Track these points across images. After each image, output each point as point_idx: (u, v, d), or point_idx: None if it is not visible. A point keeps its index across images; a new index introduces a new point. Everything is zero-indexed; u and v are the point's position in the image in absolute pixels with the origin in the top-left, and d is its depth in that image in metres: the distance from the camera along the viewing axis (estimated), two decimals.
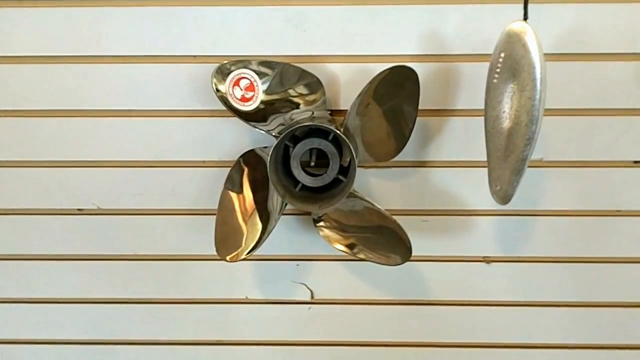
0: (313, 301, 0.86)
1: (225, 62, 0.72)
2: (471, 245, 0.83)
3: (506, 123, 0.64)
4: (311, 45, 0.76)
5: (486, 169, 0.68)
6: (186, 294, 0.86)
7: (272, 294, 0.86)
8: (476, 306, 0.86)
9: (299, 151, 0.74)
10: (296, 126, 0.71)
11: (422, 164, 0.80)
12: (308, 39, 0.76)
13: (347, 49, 0.76)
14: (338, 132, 0.71)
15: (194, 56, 0.76)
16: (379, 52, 0.75)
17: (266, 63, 0.72)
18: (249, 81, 0.72)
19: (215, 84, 0.72)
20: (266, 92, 0.73)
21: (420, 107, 0.71)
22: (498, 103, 0.64)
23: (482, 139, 0.67)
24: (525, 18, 0.64)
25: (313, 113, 0.74)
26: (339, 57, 0.76)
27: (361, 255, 0.78)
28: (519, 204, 0.75)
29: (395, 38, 0.75)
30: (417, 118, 0.72)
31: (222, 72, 0.72)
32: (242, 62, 0.72)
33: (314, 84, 0.73)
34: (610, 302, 0.84)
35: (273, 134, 0.73)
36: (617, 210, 0.80)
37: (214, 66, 0.71)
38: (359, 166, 0.72)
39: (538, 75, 0.62)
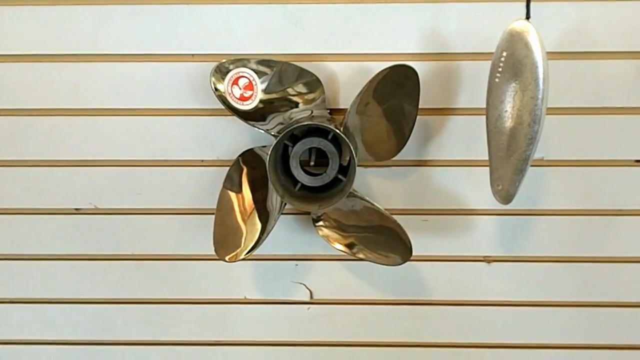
0: (312, 301, 0.86)
1: (223, 60, 0.71)
2: (472, 245, 0.82)
3: (508, 123, 0.64)
4: (310, 44, 0.75)
5: (487, 168, 0.67)
6: (184, 294, 0.86)
7: (271, 294, 0.86)
8: (477, 306, 0.85)
9: (298, 150, 0.73)
10: (295, 125, 0.70)
11: (422, 163, 0.79)
12: (307, 37, 0.75)
13: (347, 48, 0.75)
14: (337, 131, 0.70)
15: (192, 55, 0.76)
16: (379, 51, 0.75)
17: (265, 62, 0.72)
18: (247, 80, 0.71)
19: (214, 83, 0.71)
20: (265, 91, 0.72)
21: (420, 106, 0.71)
22: (500, 102, 0.64)
23: (484, 138, 0.66)
24: (528, 17, 0.63)
25: (312, 112, 0.74)
26: (339, 55, 0.75)
27: (361, 255, 0.77)
28: (519, 204, 0.75)
29: (395, 36, 0.74)
30: (418, 117, 0.71)
31: (221, 71, 0.71)
32: (241, 60, 0.71)
33: (313, 83, 0.73)
34: (612, 302, 0.84)
35: (272, 133, 0.73)
36: (619, 210, 0.80)
37: (212, 65, 0.71)
38: (358, 165, 0.72)
39: (541, 75, 0.61)
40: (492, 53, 0.64)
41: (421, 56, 0.74)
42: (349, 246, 0.78)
